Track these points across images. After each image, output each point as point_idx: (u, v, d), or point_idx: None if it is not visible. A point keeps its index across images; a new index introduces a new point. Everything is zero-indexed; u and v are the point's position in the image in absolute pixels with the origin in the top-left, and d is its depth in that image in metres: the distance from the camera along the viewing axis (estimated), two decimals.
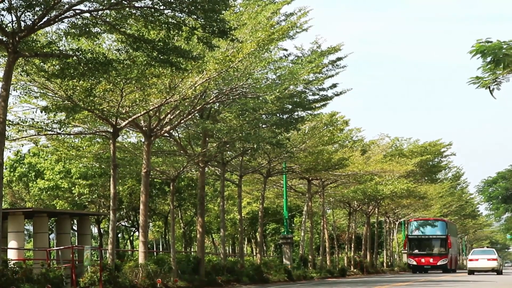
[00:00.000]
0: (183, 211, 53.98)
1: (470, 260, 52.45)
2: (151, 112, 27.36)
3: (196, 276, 30.79)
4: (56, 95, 25.52)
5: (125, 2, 20.23)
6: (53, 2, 19.58)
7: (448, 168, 79.02)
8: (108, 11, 20.61)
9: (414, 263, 58.30)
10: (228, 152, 36.04)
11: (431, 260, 57.85)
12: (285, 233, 45.20)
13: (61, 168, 46.46)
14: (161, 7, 20.42)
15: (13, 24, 20.24)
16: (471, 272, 51.11)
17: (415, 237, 59.61)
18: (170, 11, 20.55)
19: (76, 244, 34.20)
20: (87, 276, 24.87)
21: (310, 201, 47.04)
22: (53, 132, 27.95)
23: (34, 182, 47.85)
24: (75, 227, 44.79)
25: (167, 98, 26.02)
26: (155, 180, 42.62)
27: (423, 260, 57.86)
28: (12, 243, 29.85)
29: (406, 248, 61.03)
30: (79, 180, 45.59)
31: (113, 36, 23.29)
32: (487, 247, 68.55)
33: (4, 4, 19.66)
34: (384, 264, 69.39)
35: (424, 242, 59.09)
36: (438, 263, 57.73)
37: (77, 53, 21.39)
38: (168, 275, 28.69)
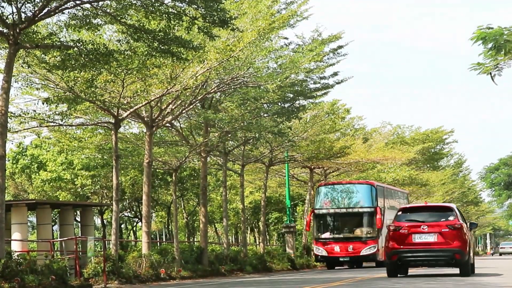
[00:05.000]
0: (186, 201, 54.08)
1: (501, 248, 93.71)
2: (152, 102, 27.36)
3: (199, 265, 30.86)
4: (58, 87, 25.54)
5: None
6: None
7: (450, 155, 79.18)
8: (108, 2, 20.62)
9: (324, 253, 38.14)
10: (230, 142, 36.06)
11: (349, 248, 37.39)
12: (288, 222, 45.23)
13: (64, 160, 46.53)
14: None
15: (14, 16, 20.24)
16: (501, 254, 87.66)
17: (324, 212, 38.77)
18: (170, 1, 20.55)
19: (80, 235, 34.29)
20: (90, 267, 24.93)
21: (313, 189, 47.08)
22: (55, 124, 27.96)
23: (37, 174, 47.93)
24: (78, 218, 44.89)
25: (169, 88, 26.03)
26: (157, 170, 42.66)
27: (337, 248, 37.58)
28: (15, 235, 29.93)
29: (311, 230, 40.47)
30: (82, 171, 45.68)
31: (114, 26, 23.30)
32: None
33: None
34: None
35: (339, 219, 38.71)
36: (362, 253, 37.37)
37: (78, 44, 21.40)
38: (172, 265, 28.76)
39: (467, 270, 22.22)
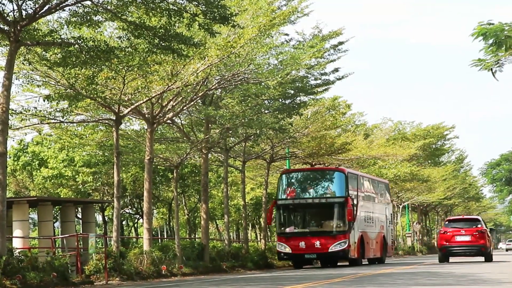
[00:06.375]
0: (187, 198, 54.09)
1: (507, 244, 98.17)
2: (153, 99, 27.37)
3: (200, 262, 30.89)
4: (59, 84, 25.55)
5: None
6: None
7: (451, 151, 79.21)
8: None
9: (288, 250, 33.06)
10: (231, 138, 36.07)
11: (316, 243, 32.52)
12: None
13: (65, 157, 46.57)
14: None
15: (14, 13, 20.25)
16: (507, 250, 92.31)
17: (288, 202, 33.72)
18: None
19: (81, 232, 34.32)
20: (92, 263, 24.96)
21: None
22: (56, 121, 27.98)
23: (38, 171, 47.97)
24: (79, 215, 44.93)
25: (169, 85, 26.03)
26: (158, 167, 42.68)
27: (302, 244, 32.66)
28: (17, 232, 29.96)
29: (274, 223, 34.72)
30: (83, 168, 45.71)
31: (115, 23, 23.29)
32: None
33: None
34: None
35: (304, 211, 33.95)
36: (330, 249, 32.43)
37: (78, 41, 21.40)
38: (173, 261, 28.78)
39: (489, 258, 34.87)
